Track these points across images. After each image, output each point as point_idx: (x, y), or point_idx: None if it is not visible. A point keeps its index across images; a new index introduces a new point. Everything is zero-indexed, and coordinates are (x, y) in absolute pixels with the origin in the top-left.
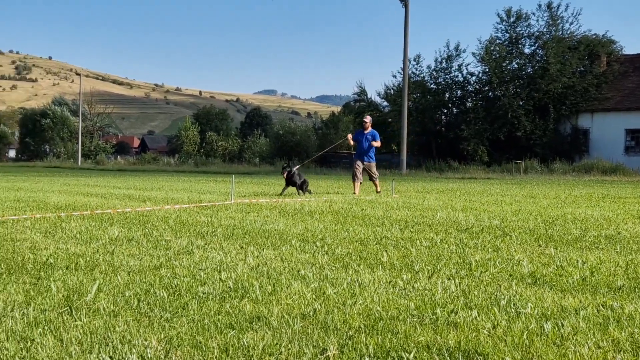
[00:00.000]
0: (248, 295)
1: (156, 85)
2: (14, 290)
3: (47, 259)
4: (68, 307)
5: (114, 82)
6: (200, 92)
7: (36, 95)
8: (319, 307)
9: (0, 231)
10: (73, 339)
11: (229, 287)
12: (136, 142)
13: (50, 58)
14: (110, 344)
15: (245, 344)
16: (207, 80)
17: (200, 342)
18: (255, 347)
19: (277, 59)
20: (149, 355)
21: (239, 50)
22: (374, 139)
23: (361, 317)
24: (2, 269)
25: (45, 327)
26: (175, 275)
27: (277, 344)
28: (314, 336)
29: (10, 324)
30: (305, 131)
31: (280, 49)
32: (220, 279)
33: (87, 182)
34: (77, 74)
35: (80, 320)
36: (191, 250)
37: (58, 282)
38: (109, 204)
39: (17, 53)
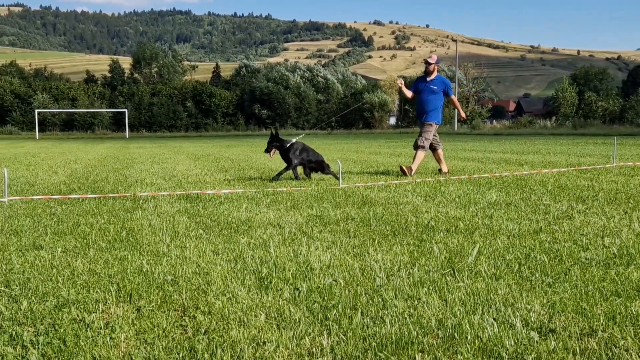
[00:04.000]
0: (634, 262)
1: (532, 47)
2: (399, 251)
3: (429, 222)
4: (450, 269)
5: (489, 46)
6: (578, 52)
7: (414, 63)
8: None
9: (384, 195)
10: (457, 300)
11: (613, 253)
12: (512, 106)
13: (427, 26)
14: (493, 306)
15: (634, 312)
16: (586, 39)
17: (584, 309)
18: None
19: None
20: (532, 319)
21: (619, 4)
22: (446, 90)
23: None
24: (387, 230)
25: (430, 287)
26: (556, 240)
27: None
28: None
29: (398, 282)
30: None
31: None
32: (604, 245)
33: (464, 146)
34: (453, 40)
35: (463, 282)
36: (571, 214)
37: (439, 244)
38: (486, 168)
39: (397, 23)
